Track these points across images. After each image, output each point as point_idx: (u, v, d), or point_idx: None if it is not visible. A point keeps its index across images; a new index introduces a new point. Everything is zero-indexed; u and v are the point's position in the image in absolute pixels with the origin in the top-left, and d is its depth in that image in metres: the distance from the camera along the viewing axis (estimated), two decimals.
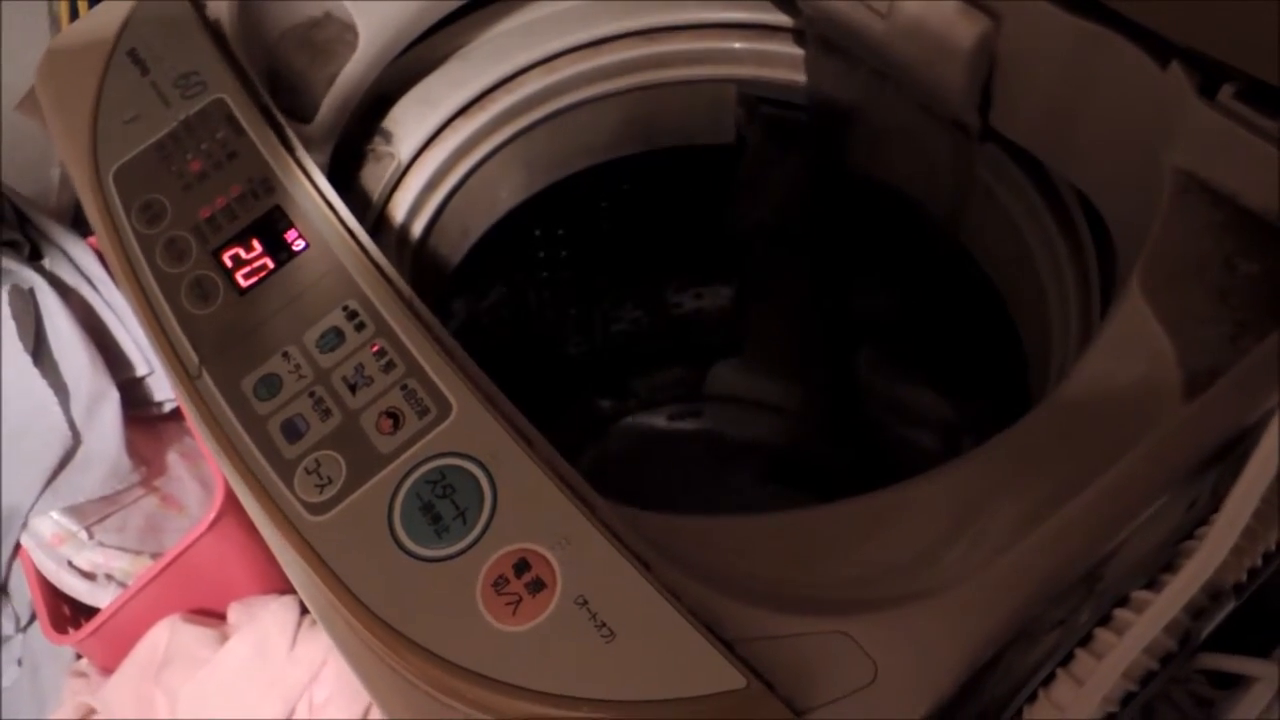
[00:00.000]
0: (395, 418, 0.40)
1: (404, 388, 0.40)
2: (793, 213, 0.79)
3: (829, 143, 0.71)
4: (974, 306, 0.69)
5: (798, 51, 0.68)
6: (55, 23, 0.77)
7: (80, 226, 0.72)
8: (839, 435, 0.94)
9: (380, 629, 0.36)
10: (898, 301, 0.79)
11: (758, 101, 0.72)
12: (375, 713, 0.56)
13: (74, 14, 0.78)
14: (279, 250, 0.45)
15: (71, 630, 0.57)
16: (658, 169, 0.76)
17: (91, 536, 0.59)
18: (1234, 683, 0.30)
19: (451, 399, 0.40)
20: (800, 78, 0.69)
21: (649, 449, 0.97)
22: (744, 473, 0.98)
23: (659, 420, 0.99)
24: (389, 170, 0.63)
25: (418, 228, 0.65)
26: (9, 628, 0.64)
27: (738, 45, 0.70)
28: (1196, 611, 0.29)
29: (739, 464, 0.98)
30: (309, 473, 0.39)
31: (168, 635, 0.56)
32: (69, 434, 0.60)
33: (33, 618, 0.65)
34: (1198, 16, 0.40)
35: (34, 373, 0.60)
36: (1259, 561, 0.30)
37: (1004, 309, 0.66)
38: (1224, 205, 0.42)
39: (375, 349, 0.41)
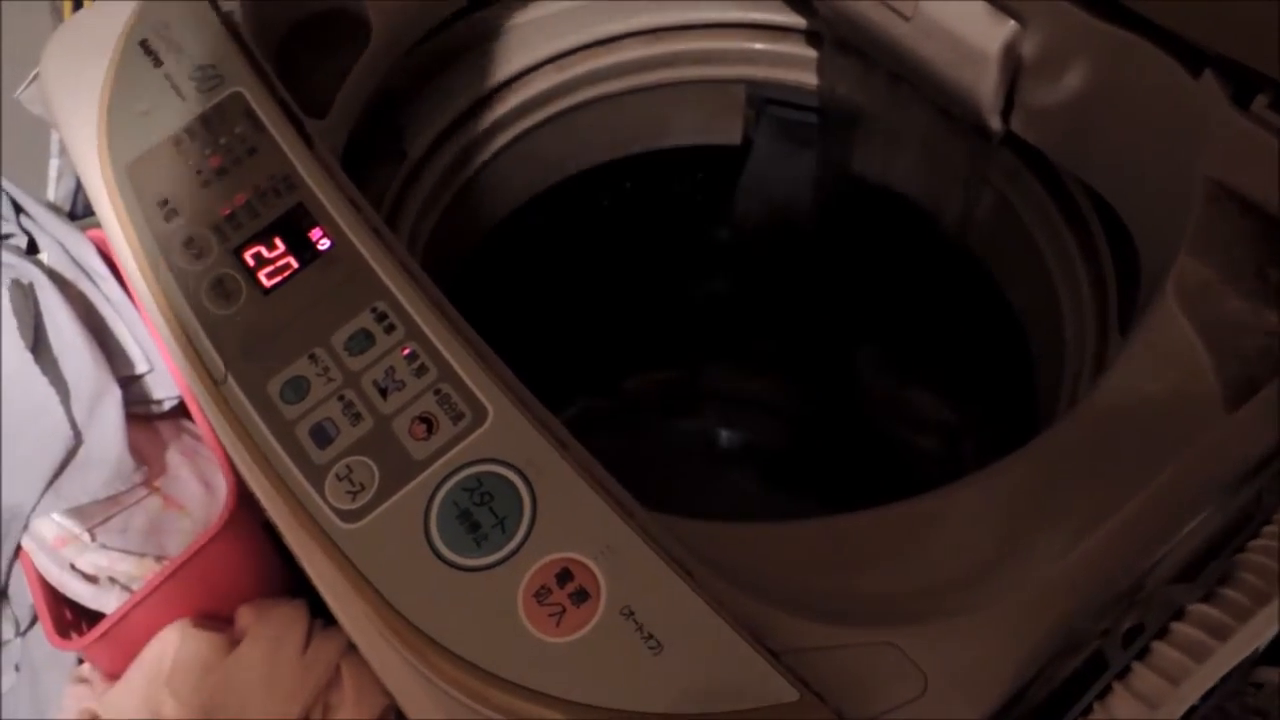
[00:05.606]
0: (429, 423, 0.39)
1: (437, 392, 0.39)
2: (797, 214, 0.79)
3: (838, 145, 0.70)
4: (979, 309, 0.69)
5: (809, 53, 0.67)
6: (58, 15, 0.75)
7: (77, 220, 0.70)
8: (838, 437, 0.94)
9: (419, 640, 0.35)
10: (901, 303, 0.79)
11: (767, 102, 0.72)
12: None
13: (78, 8, 0.76)
14: (303, 249, 0.44)
15: (75, 635, 0.55)
16: (665, 168, 0.76)
17: (94, 538, 0.58)
18: None
19: (487, 404, 0.39)
20: (811, 79, 0.68)
21: (645, 449, 0.97)
22: (741, 474, 0.97)
23: (656, 420, 0.98)
24: (400, 167, 0.62)
25: (428, 225, 0.64)
26: (9, 632, 0.62)
27: (748, 46, 0.69)
28: None
29: (736, 465, 0.98)
30: (340, 479, 0.39)
31: (176, 640, 0.55)
32: (70, 434, 0.58)
33: (32, 622, 0.63)
34: (1232, 24, 0.40)
35: (34, 370, 0.58)
36: None
37: (1010, 312, 0.66)
38: (1255, 214, 0.42)
39: (406, 352, 0.41)
